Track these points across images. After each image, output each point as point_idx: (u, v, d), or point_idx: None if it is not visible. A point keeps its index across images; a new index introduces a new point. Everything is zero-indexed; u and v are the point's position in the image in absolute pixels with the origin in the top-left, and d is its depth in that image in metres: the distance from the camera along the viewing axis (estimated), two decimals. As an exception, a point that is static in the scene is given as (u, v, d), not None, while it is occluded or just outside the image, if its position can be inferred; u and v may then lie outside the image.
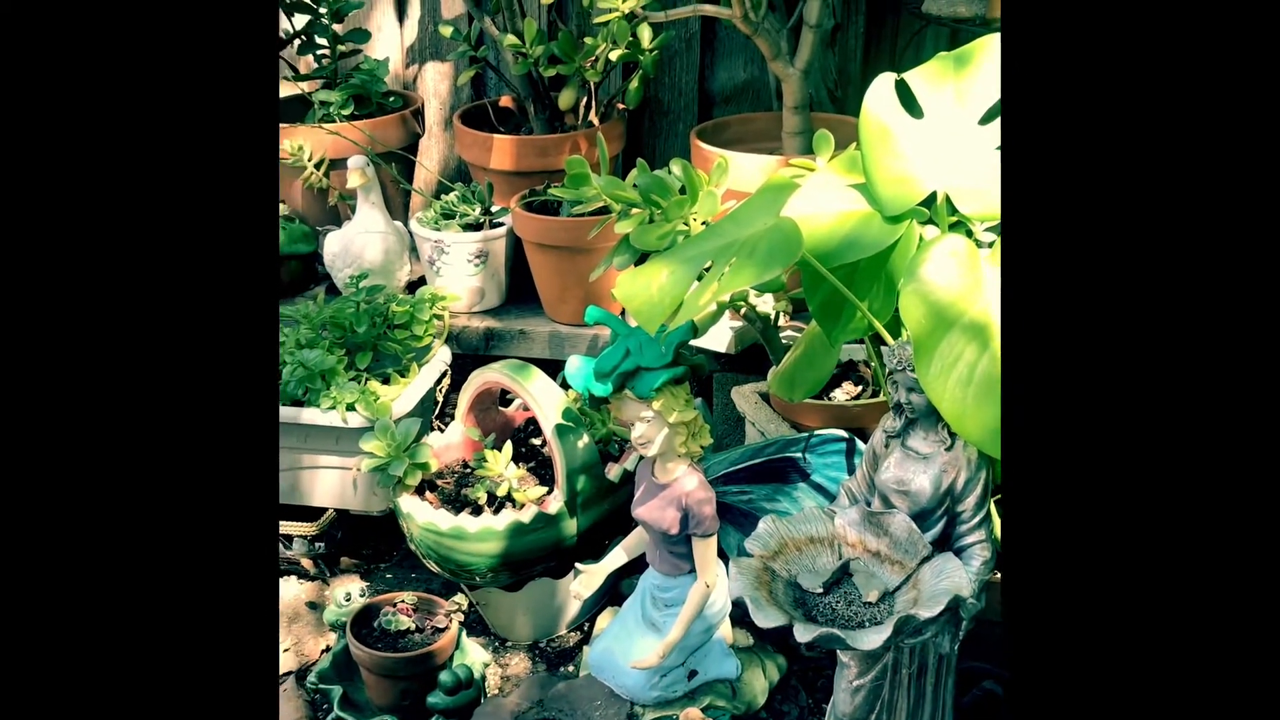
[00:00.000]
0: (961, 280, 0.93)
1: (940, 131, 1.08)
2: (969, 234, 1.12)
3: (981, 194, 1.03)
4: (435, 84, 2.07)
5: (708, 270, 1.07)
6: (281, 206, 1.84)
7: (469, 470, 1.49)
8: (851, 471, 1.30)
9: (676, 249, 1.12)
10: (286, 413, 1.48)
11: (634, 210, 1.30)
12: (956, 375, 0.90)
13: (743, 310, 1.43)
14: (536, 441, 1.55)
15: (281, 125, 1.80)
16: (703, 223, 1.24)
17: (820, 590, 1.01)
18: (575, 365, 1.29)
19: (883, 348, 1.03)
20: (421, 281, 1.78)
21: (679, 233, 1.23)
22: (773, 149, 1.76)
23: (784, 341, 1.50)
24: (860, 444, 1.31)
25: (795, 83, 1.60)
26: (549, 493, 1.41)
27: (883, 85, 1.12)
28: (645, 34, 1.64)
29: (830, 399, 1.44)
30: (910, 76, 1.13)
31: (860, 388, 1.47)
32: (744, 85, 2.02)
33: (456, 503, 1.43)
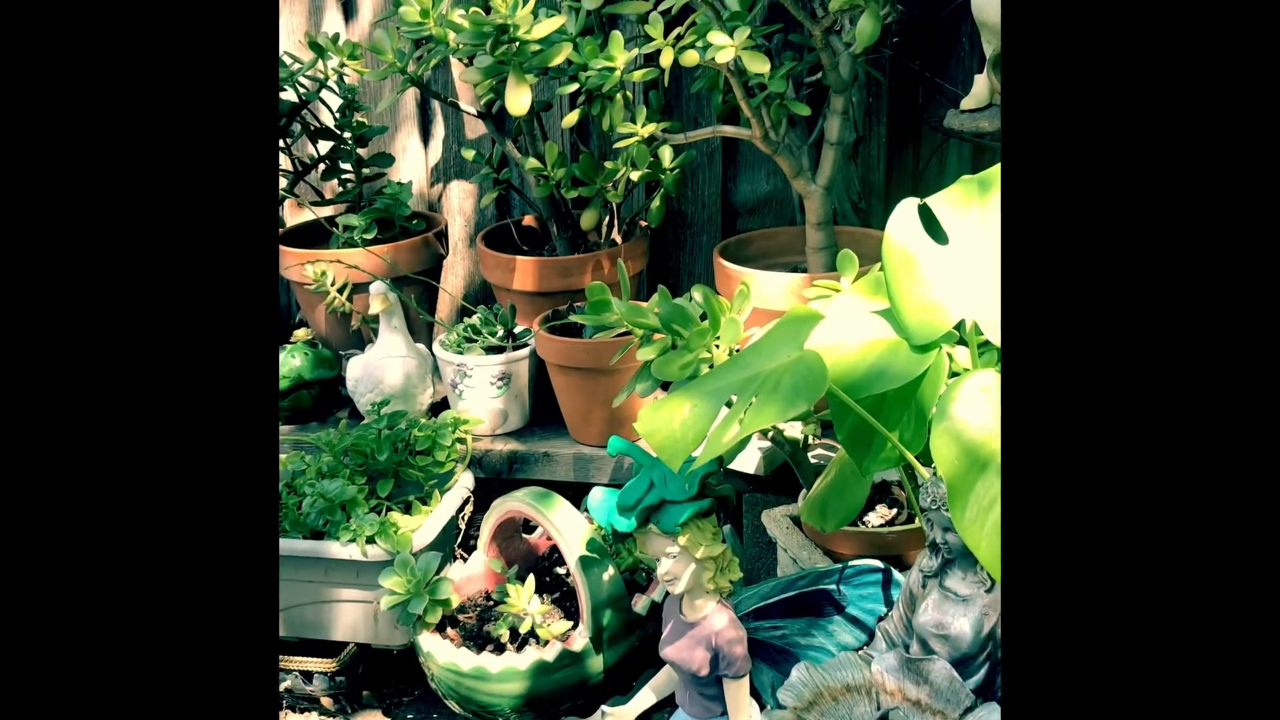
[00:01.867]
0: (994, 418, 0.89)
1: (966, 257, 1.06)
2: (998, 360, 1.09)
3: (1012, 322, 1.00)
4: (460, 202, 2.08)
5: (732, 403, 1.04)
6: (305, 331, 1.84)
7: (492, 603, 1.44)
8: (888, 604, 1.25)
9: (699, 381, 1.09)
10: (307, 546, 1.45)
11: (656, 336, 1.28)
12: (993, 519, 0.85)
13: (770, 434, 1.39)
14: (562, 570, 1.51)
15: (303, 250, 1.81)
16: (728, 350, 1.21)
17: (858, 745, 0.95)
18: (598, 498, 1.25)
19: (918, 485, 0.99)
20: (444, 404, 1.76)
21: (702, 361, 1.20)
22: (797, 264, 1.74)
23: (814, 463, 1.46)
24: (897, 574, 1.25)
25: (818, 199, 1.59)
26: (574, 628, 1.36)
27: (906, 211, 1.10)
28: (666, 154, 1.64)
29: (864, 523, 1.39)
30: (933, 201, 1.10)
31: (894, 510, 1.42)
32: (767, 197, 2.02)
33: (479, 639, 1.38)
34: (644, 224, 1.84)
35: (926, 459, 1.10)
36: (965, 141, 1.56)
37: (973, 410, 0.90)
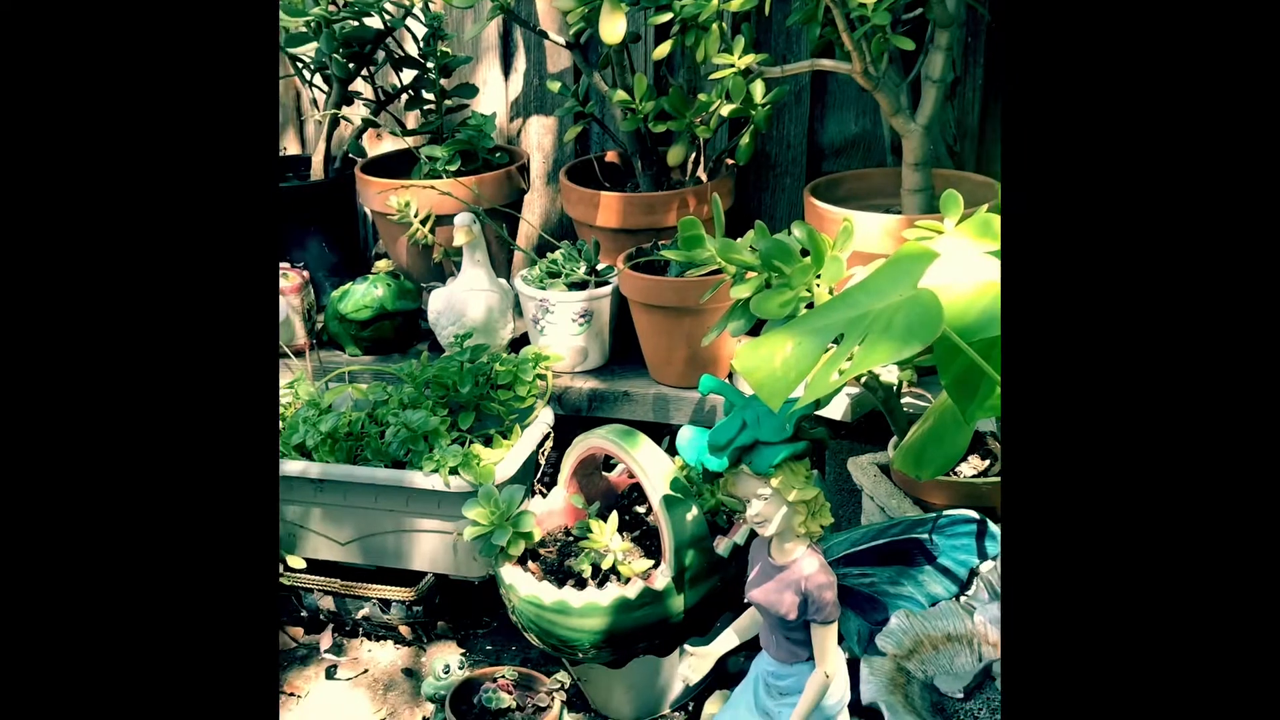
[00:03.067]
0: (1125, 363, 0.85)
1: (1091, 197, 1.01)
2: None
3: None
4: (540, 138, 2.05)
5: (837, 343, 1.00)
6: (386, 263, 1.83)
7: (572, 539, 1.43)
8: (982, 556, 1.22)
9: (802, 319, 1.06)
10: (389, 474, 1.45)
11: (750, 274, 1.24)
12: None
13: (863, 379, 1.36)
14: (641, 509, 1.50)
15: (388, 180, 1.80)
16: (828, 290, 1.18)
17: (960, 695, 0.93)
18: (687, 436, 1.23)
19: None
20: (525, 340, 1.75)
21: (801, 300, 1.16)
22: (889, 205, 1.69)
23: (906, 411, 1.42)
24: (992, 526, 1.22)
25: (916, 139, 1.53)
26: (655, 566, 1.34)
27: (1026, 147, 1.04)
28: (759, 89, 1.59)
29: (957, 474, 1.36)
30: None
31: (988, 462, 1.38)
32: (855, 139, 1.96)
33: (560, 574, 1.38)
34: (730, 162, 1.80)
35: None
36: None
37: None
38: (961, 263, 1.07)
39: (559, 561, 1.40)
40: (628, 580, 1.33)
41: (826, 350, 1.01)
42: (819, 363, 1.01)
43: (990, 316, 1.00)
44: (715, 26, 1.47)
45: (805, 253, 1.20)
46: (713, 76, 1.49)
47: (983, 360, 1.02)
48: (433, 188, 1.72)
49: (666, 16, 1.52)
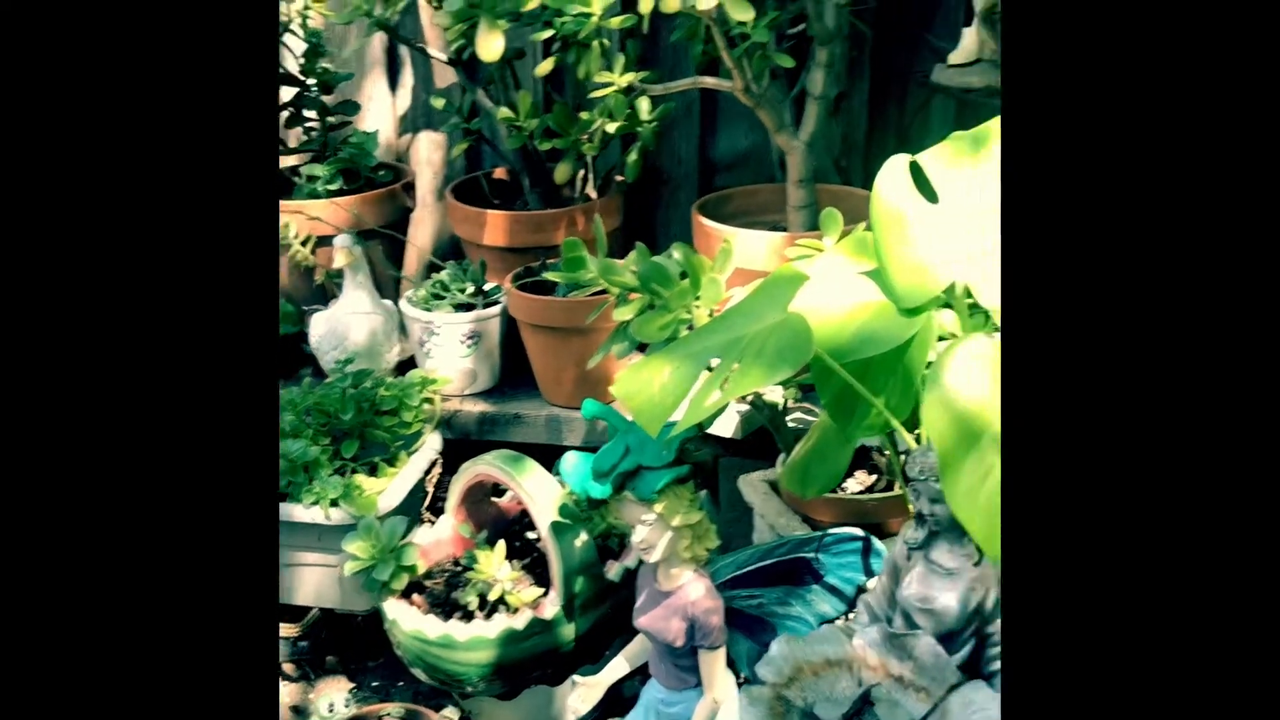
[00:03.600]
0: (989, 387, 0.86)
1: (957, 217, 1.02)
2: (989, 324, 1.05)
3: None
4: (429, 153, 2.01)
5: (714, 366, 0.99)
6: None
7: (460, 569, 1.40)
8: (868, 573, 1.22)
9: (680, 343, 1.05)
10: (267, 508, 1.40)
11: (633, 295, 1.23)
12: (986, 493, 0.82)
13: (748, 398, 1.35)
14: (532, 535, 1.47)
15: (268, 201, 1.74)
16: (707, 311, 1.17)
17: (840, 722, 0.93)
18: (571, 463, 1.21)
19: (903, 454, 0.95)
20: (411, 363, 1.71)
21: (681, 322, 1.15)
22: (777, 221, 1.69)
23: (792, 427, 1.42)
24: (877, 543, 1.22)
25: (800, 155, 1.54)
26: (545, 594, 1.32)
27: (895, 168, 1.05)
28: (644, 106, 1.58)
29: (843, 489, 1.36)
30: (924, 158, 1.06)
31: (875, 477, 1.39)
32: (746, 152, 1.97)
33: (447, 606, 1.34)
34: (620, 179, 1.78)
35: (912, 426, 1.07)
36: (952, 98, 1.51)
37: (967, 378, 0.86)
38: (837, 284, 1.07)
39: (446, 593, 1.36)
40: (516, 610, 1.30)
41: (704, 374, 1.00)
42: (695, 386, 1.00)
43: (863, 338, 1.01)
44: (596, 44, 1.46)
45: (684, 275, 1.19)
46: (594, 95, 1.47)
47: (856, 382, 1.02)
48: (303, 213, 1.68)
49: (548, 33, 1.51)
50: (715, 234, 1.55)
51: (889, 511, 1.30)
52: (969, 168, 1.04)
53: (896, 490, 1.31)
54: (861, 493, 1.36)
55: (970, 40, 1.46)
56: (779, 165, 1.86)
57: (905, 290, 1.00)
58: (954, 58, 1.48)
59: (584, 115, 1.53)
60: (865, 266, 1.17)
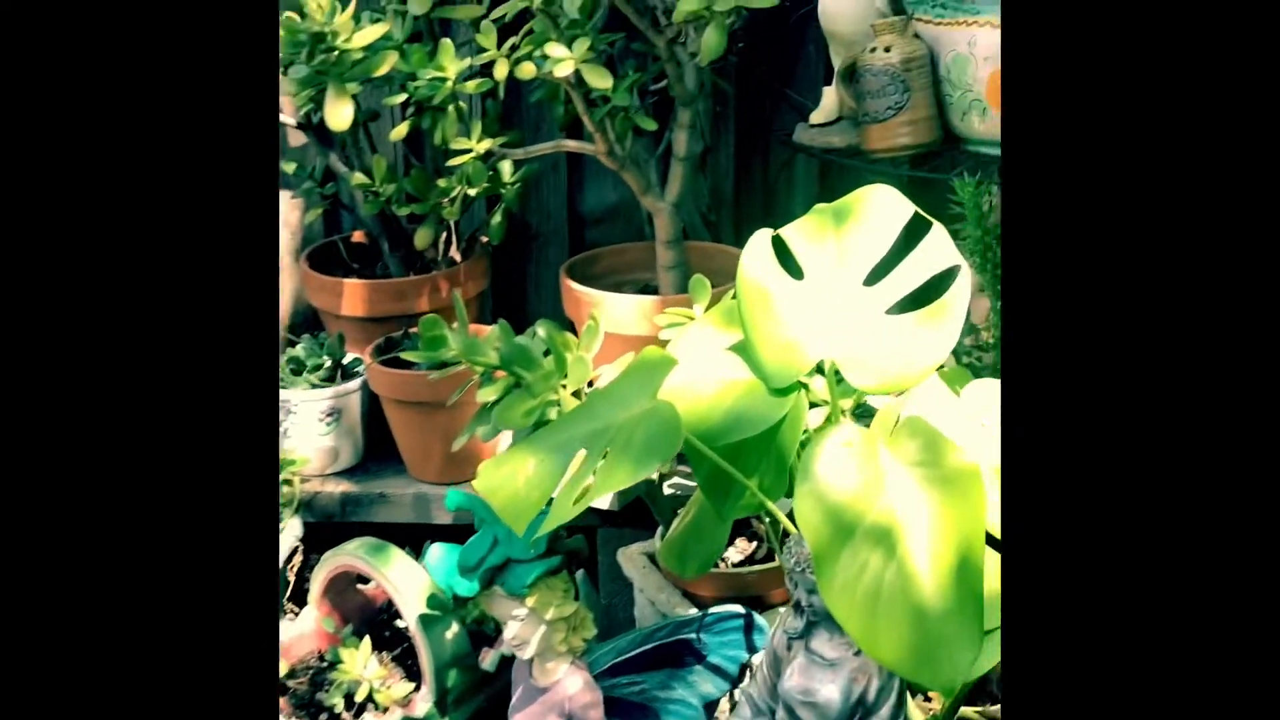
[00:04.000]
0: (860, 477, 0.83)
1: (824, 294, 1.00)
2: (857, 405, 1.04)
3: (872, 364, 0.95)
4: (285, 214, 1.92)
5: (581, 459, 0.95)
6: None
7: (326, 664, 1.32)
8: (750, 650, 1.19)
9: (544, 433, 1.00)
10: (109, 614, 1.29)
11: (498, 373, 1.18)
12: (863, 589, 0.79)
13: (623, 472, 1.31)
14: (402, 623, 1.40)
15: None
16: (574, 393, 1.13)
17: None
18: (436, 556, 1.15)
19: (780, 535, 0.93)
20: (270, 442, 1.61)
21: (549, 405, 1.11)
22: (648, 280, 1.67)
23: (669, 493, 1.39)
24: (759, 618, 1.20)
25: (667, 216, 1.52)
26: (416, 689, 1.25)
27: (759, 243, 1.03)
28: (506, 168, 1.54)
29: (723, 560, 1.33)
30: (787, 232, 1.04)
31: (755, 544, 1.36)
32: (616, 206, 1.94)
33: (312, 707, 1.26)
34: (485, 240, 1.73)
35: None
36: (814, 157, 1.51)
37: (837, 470, 0.84)
38: (705, 361, 1.04)
39: (311, 693, 1.28)
40: (386, 709, 1.23)
41: (570, 466, 0.96)
42: (562, 479, 0.95)
43: (733, 421, 0.98)
44: (452, 108, 1.41)
45: (549, 351, 1.15)
46: (452, 163, 1.42)
47: (729, 465, 0.99)
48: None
49: (402, 98, 1.45)
50: (584, 299, 1.51)
51: (769, 583, 1.28)
52: (832, 241, 1.02)
53: (777, 561, 1.28)
54: (742, 563, 1.34)
55: (830, 100, 1.47)
56: (649, 220, 1.83)
57: (774, 369, 0.97)
58: (815, 117, 1.48)
59: (442, 183, 1.47)
60: (736, 337, 1.15)
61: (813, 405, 1.06)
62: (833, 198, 1.04)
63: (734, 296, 1.23)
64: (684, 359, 1.02)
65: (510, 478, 0.96)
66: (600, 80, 1.27)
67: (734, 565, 1.33)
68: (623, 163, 1.45)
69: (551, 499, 0.94)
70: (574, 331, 1.50)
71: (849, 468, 0.83)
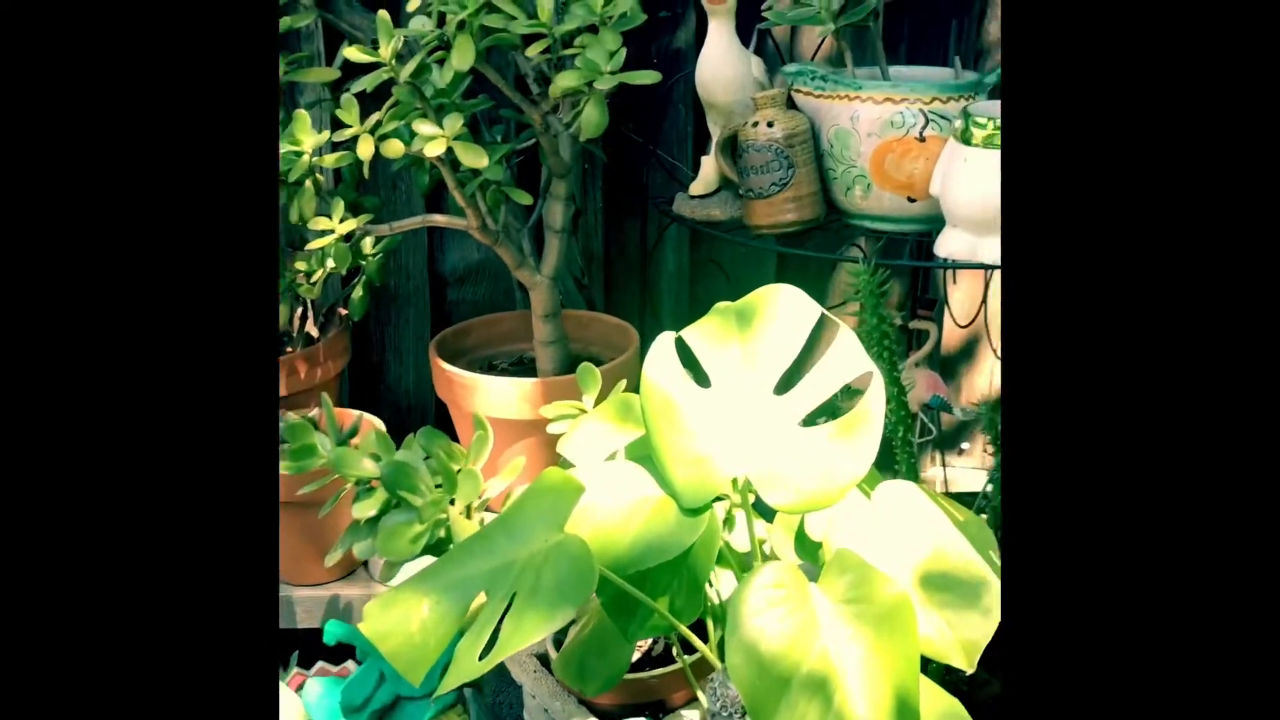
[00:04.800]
0: (792, 622, 0.78)
1: (733, 404, 0.95)
2: (753, 506, 0.99)
3: (789, 481, 0.90)
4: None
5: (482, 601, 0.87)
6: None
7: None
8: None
9: (438, 568, 0.91)
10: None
11: (375, 481, 1.08)
12: (805, 748, 0.74)
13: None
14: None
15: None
16: (465, 508, 1.04)
17: None
18: (315, 693, 1.04)
19: (704, 683, 0.87)
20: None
21: (438, 525, 1.02)
22: (524, 352, 1.59)
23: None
24: (664, 730, 1.13)
25: (544, 290, 1.44)
26: (293, 833, 1.13)
27: (663, 348, 0.97)
28: (367, 243, 1.43)
29: (620, 662, 1.26)
30: (690, 335, 0.99)
31: (651, 640, 1.30)
32: (479, 264, 1.85)
33: None
34: (344, 312, 1.62)
35: (700, 628, 0.99)
36: (697, 229, 1.47)
37: (769, 617, 0.78)
38: (608, 476, 0.97)
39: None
40: None
41: (470, 609, 0.87)
42: (462, 621, 0.87)
43: (643, 547, 0.91)
44: (309, 183, 1.30)
45: (426, 455, 1.06)
46: (312, 245, 1.31)
47: (638, 591, 0.92)
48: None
49: (251, 170, 1.33)
50: (459, 381, 1.42)
51: (671, 686, 1.22)
52: (737, 345, 0.98)
53: (677, 664, 1.23)
54: (641, 661, 1.27)
55: (709, 170, 1.42)
56: (519, 287, 1.75)
57: (686, 488, 0.92)
58: (695, 188, 1.43)
59: (300, 265, 1.36)
60: (632, 435, 1.09)
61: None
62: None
63: (625, 389, 1.17)
64: (586, 477, 0.95)
65: (402, 622, 0.87)
66: (475, 159, 1.19)
67: (631, 665, 1.27)
68: (495, 237, 1.37)
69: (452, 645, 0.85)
70: (448, 415, 1.41)
71: (780, 613, 0.78)
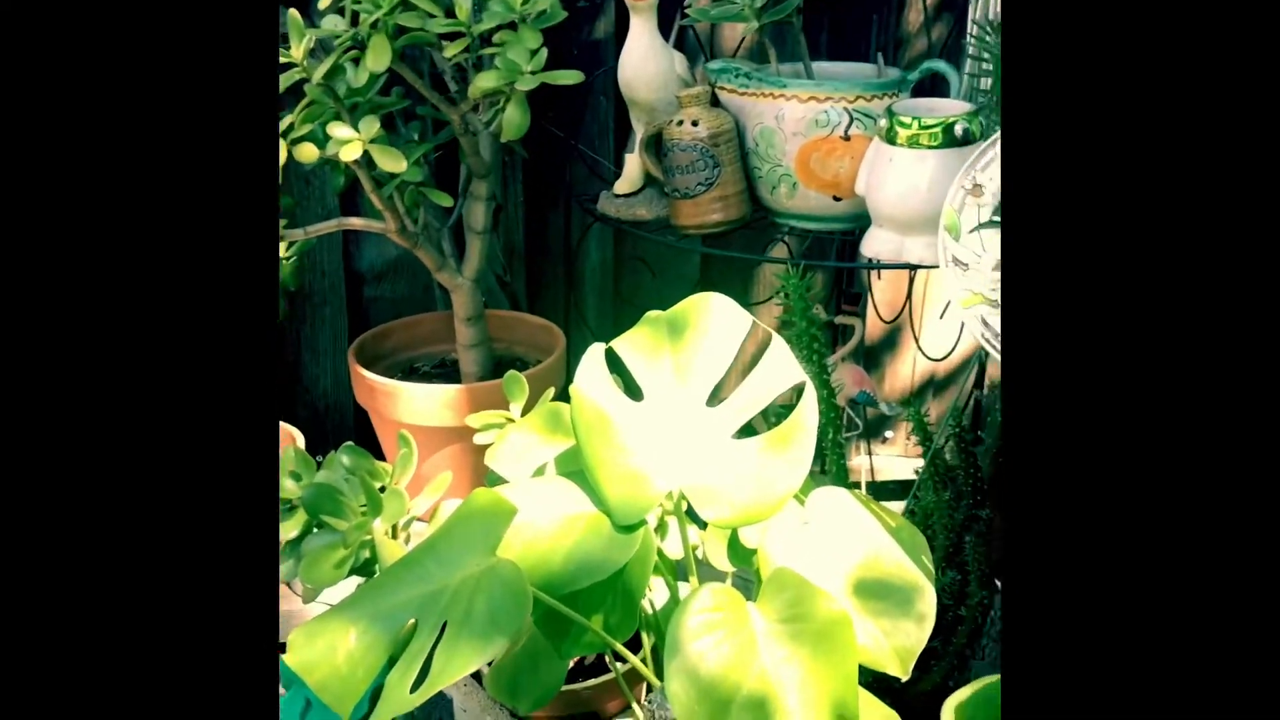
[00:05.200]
0: (730, 645, 0.77)
1: (666, 417, 0.93)
2: (686, 513, 0.98)
3: (723, 496, 0.89)
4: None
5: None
6: None
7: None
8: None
9: (364, 594, 0.88)
10: None
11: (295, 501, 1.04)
12: (747, 772, 0.73)
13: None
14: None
15: None
16: (390, 529, 1.01)
17: None
18: (238, 725, 1.00)
19: (639, 693, 0.85)
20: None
21: (363, 546, 0.98)
22: (446, 354, 1.55)
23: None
24: (600, 742, 1.12)
25: (466, 293, 1.41)
26: None
27: (593, 361, 0.95)
28: (281, 246, 1.38)
29: (553, 672, 1.24)
30: (620, 346, 0.97)
31: (583, 648, 1.29)
32: (396, 261, 1.81)
33: None
34: (257, 316, 1.56)
35: (635, 644, 0.97)
36: (623, 229, 1.44)
37: (708, 642, 0.77)
38: (538, 492, 0.95)
39: None
40: None
41: (400, 638, 0.84)
42: (390, 649, 0.84)
43: (576, 567, 0.89)
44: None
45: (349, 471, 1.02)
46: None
47: (572, 611, 0.90)
48: None
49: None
50: (380, 388, 1.38)
51: (605, 697, 1.20)
52: (669, 357, 0.96)
53: (610, 674, 1.21)
54: (574, 671, 1.25)
55: (633, 168, 1.40)
56: (439, 286, 1.71)
57: (619, 504, 0.90)
58: (619, 186, 1.41)
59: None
60: (561, 446, 1.06)
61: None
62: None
63: (554, 394, 1.14)
64: (516, 495, 0.92)
65: (328, 652, 0.84)
66: (393, 163, 1.15)
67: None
68: (415, 240, 1.34)
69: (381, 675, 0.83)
70: (369, 421, 1.37)
71: (719, 637, 0.77)
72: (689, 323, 0.97)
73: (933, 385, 1.99)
